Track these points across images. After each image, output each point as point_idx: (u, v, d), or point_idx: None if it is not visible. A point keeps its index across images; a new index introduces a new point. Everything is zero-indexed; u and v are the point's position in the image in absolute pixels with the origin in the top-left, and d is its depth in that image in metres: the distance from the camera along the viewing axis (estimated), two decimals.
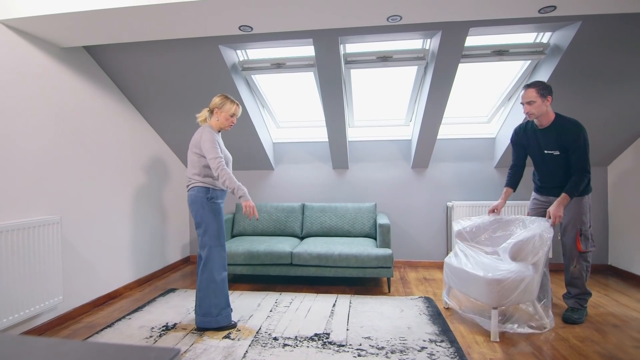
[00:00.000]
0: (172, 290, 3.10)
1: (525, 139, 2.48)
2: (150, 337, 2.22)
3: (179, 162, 4.02)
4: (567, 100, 2.94)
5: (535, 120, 2.34)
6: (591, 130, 3.19)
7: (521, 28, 2.54)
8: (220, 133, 2.40)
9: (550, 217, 2.25)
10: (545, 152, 2.35)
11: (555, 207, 2.23)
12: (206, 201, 2.25)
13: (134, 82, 3.02)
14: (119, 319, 2.48)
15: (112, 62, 2.83)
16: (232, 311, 2.35)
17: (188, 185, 2.32)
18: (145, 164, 3.41)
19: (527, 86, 2.28)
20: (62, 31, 2.27)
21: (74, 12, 2.04)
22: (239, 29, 2.29)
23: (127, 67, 2.87)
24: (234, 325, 2.34)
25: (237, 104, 2.37)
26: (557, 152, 2.29)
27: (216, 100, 2.34)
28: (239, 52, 2.94)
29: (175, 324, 2.40)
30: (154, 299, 2.87)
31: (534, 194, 2.59)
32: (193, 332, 2.27)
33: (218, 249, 2.29)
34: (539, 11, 2.13)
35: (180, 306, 2.72)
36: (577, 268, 2.36)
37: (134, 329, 2.32)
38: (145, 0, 1.95)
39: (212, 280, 2.26)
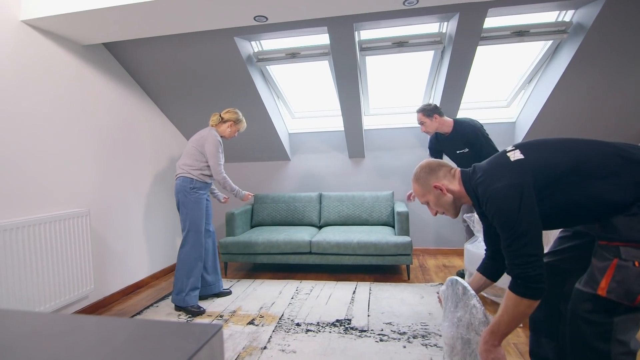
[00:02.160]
0: None
1: (440, 146, 2.86)
2: (164, 320, 2.30)
3: None
4: (591, 80, 2.84)
5: (439, 131, 2.74)
6: (614, 112, 3.09)
7: (542, 7, 2.45)
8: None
9: None
10: (457, 152, 2.71)
11: None
12: (189, 190, 2.47)
13: (151, 76, 3.08)
14: (147, 307, 2.58)
15: (130, 57, 2.89)
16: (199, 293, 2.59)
17: (177, 175, 2.54)
18: (166, 156, 3.49)
19: (417, 111, 2.73)
20: (83, 29, 2.32)
21: (93, 10, 2.08)
22: (254, 20, 2.30)
23: (144, 62, 2.92)
24: (201, 311, 2.44)
25: (246, 123, 2.77)
26: (466, 150, 2.65)
27: (234, 115, 2.63)
28: (253, 43, 2.94)
29: None
30: None
31: None
32: (218, 319, 2.34)
33: (196, 234, 2.50)
34: None
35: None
36: None
37: (161, 316, 2.41)
38: None
39: (186, 262, 2.47)
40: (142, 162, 3.15)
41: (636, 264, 1.02)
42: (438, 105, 2.94)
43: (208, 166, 2.52)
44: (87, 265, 2.42)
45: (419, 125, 2.76)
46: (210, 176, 2.57)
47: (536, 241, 1.11)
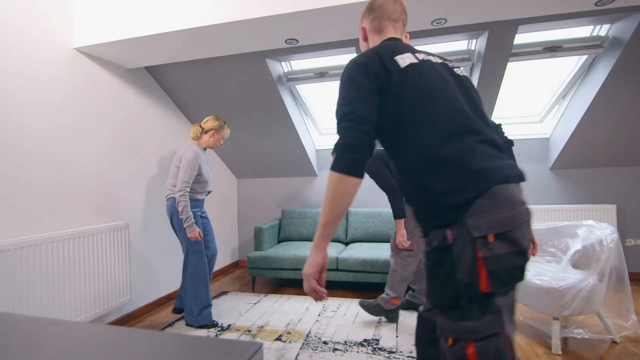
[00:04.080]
0: (224, 292, 3.26)
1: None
2: (208, 337, 2.34)
3: (229, 171, 4.22)
4: (631, 95, 2.73)
5: None
6: None
7: (575, 22, 2.41)
8: (206, 150, 2.63)
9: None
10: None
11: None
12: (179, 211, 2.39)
13: (188, 97, 3.24)
14: (178, 319, 2.65)
15: (168, 79, 3.07)
16: (212, 308, 2.55)
17: (167, 196, 2.49)
18: None
19: None
20: (127, 54, 2.50)
21: (138, 37, 2.24)
22: (285, 42, 2.39)
23: (182, 83, 3.09)
24: (214, 324, 2.49)
25: (230, 129, 2.67)
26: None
27: (215, 123, 2.56)
28: (283, 63, 3.05)
29: (229, 325, 2.52)
30: None
31: None
32: (246, 333, 2.37)
33: (195, 254, 2.45)
34: (596, 4, 2.01)
35: (232, 308, 2.84)
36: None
37: (192, 329, 2.47)
38: (201, 22, 2.11)
39: (192, 283, 2.44)
40: None
41: None
42: None
43: (197, 182, 2.46)
44: (125, 277, 2.53)
45: None
46: (201, 192, 2.52)
47: (358, 104, 0.91)
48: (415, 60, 0.97)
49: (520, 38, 2.59)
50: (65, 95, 2.27)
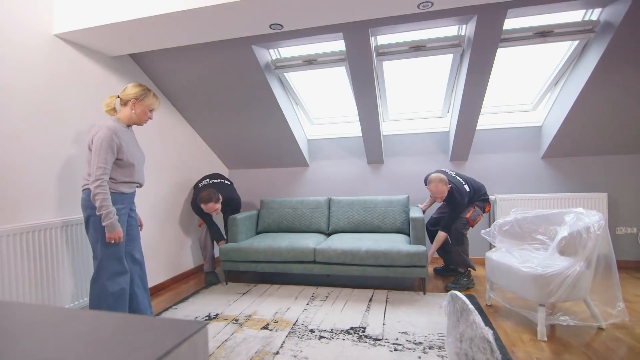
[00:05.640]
0: (214, 283, 3.24)
1: None
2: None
3: (218, 160, 4.19)
4: (622, 81, 2.69)
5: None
6: None
7: (567, 5, 2.36)
8: (131, 128, 2.09)
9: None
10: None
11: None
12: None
13: (175, 85, 3.19)
14: (167, 309, 2.64)
15: (154, 67, 3.01)
16: None
17: (82, 186, 1.95)
18: (188, 163, 3.59)
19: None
20: (110, 41, 2.44)
21: (120, 22, 2.19)
22: (270, 28, 2.34)
23: (167, 71, 3.03)
24: None
25: (158, 98, 2.11)
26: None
27: (134, 90, 2.01)
28: (271, 51, 3.00)
29: (217, 314, 2.51)
30: (197, 291, 3.02)
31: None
32: (233, 322, 2.36)
33: (112, 261, 1.94)
34: None
35: (220, 298, 2.83)
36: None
37: (179, 318, 2.46)
38: (183, 6, 2.06)
39: (102, 300, 1.92)
40: (166, 168, 3.25)
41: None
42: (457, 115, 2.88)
43: (118, 168, 1.94)
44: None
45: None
46: (126, 182, 1.98)
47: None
48: None
49: (510, 23, 2.54)
50: (45, 84, 2.22)
